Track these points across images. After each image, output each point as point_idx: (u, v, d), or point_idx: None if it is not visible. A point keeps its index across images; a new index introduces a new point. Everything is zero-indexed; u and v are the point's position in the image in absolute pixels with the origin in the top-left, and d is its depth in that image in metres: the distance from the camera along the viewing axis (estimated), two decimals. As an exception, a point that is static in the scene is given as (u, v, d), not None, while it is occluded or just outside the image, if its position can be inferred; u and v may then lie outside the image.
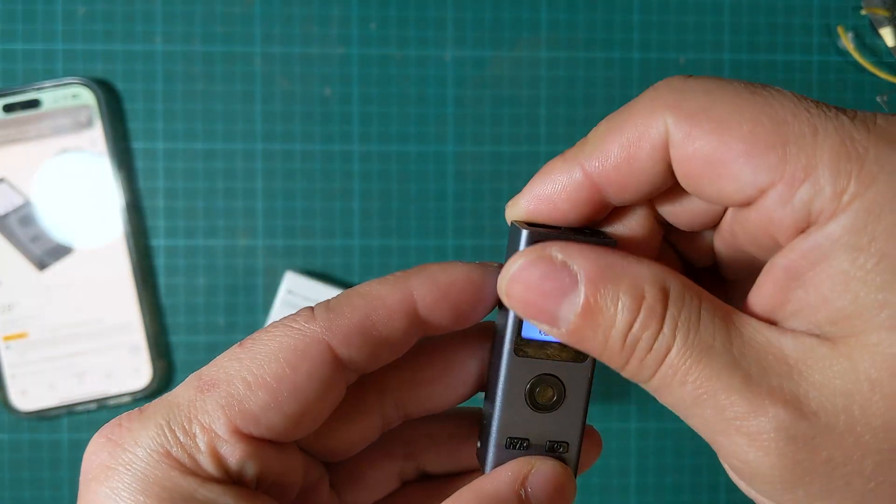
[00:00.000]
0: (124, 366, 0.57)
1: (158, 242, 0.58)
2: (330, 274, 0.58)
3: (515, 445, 0.26)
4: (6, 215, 0.57)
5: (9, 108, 0.56)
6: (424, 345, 0.27)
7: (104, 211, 0.57)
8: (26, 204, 0.57)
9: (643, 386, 0.24)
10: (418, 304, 0.25)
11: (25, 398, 0.56)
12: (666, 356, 0.22)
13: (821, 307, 0.22)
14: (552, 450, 0.26)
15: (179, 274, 0.58)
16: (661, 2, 0.59)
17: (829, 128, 0.21)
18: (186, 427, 0.23)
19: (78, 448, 0.57)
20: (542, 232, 0.24)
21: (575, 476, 0.26)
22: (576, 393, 0.26)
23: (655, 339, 0.22)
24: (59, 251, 0.57)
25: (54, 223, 0.57)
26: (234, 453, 0.23)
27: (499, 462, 0.26)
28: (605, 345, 0.23)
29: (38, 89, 0.56)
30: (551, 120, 0.59)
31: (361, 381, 0.27)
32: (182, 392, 0.24)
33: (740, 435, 0.22)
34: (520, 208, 0.26)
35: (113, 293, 0.57)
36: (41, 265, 0.57)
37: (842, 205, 0.21)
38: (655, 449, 0.59)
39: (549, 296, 0.23)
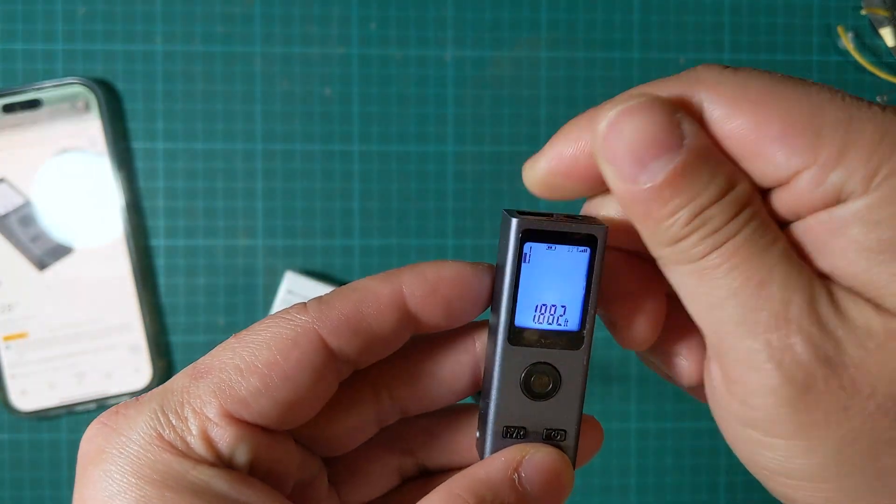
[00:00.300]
0: (124, 366, 0.57)
1: (158, 242, 0.58)
2: (330, 274, 0.58)
3: (512, 434, 0.26)
4: (6, 215, 0.57)
5: (9, 108, 0.56)
6: (419, 342, 0.28)
7: (104, 211, 0.57)
8: (26, 204, 0.57)
9: (678, 266, 0.23)
10: (408, 299, 0.25)
11: (25, 398, 0.56)
12: (726, 241, 0.22)
13: (837, 274, 0.23)
14: (549, 437, 0.26)
15: (179, 274, 0.58)
16: (661, 2, 0.59)
17: (862, 116, 0.22)
18: (179, 411, 0.23)
19: (78, 448, 0.57)
20: (533, 219, 0.25)
21: (574, 464, 0.26)
22: (572, 380, 0.26)
23: (726, 223, 0.22)
24: (59, 251, 0.57)
25: (54, 223, 0.57)
26: (224, 437, 0.23)
27: (496, 451, 0.26)
28: (671, 214, 0.23)
29: (38, 89, 0.56)
30: (551, 120, 0.59)
31: (356, 376, 0.27)
32: (177, 380, 0.24)
33: (764, 340, 0.22)
34: (540, 167, 0.26)
35: (113, 293, 0.57)
36: (41, 265, 0.57)
37: (872, 187, 0.22)
38: (655, 449, 0.59)
39: (652, 143, 0.22)
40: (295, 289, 0.57)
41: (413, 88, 0.59)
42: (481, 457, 0.26)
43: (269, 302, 0.58)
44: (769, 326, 0.22)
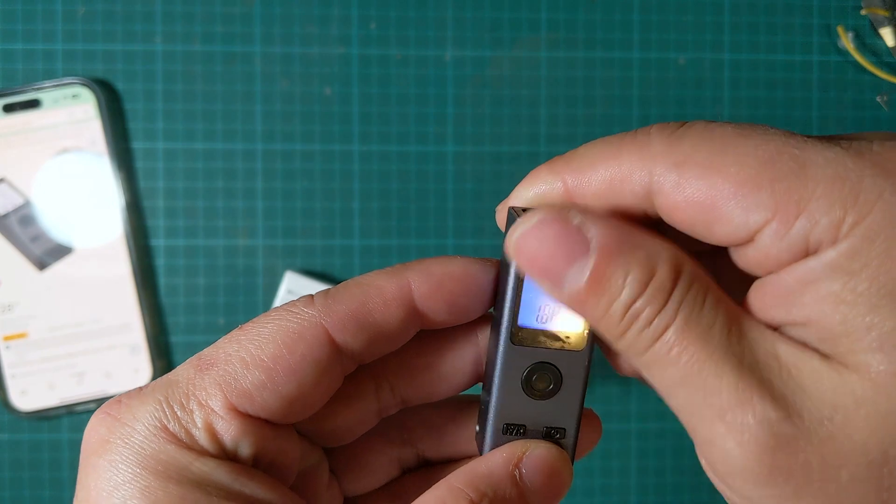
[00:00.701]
0: (124, 366, 0.57)
1: (158, 242, 0.58)
2: (330, 274, 0.58)
3: (512, 431, 0.26)
4: (6, 215, 0.57)
5: (9, 108, 0.56)
6: (422, 334, 0.28)
7: (104, 211, 0.57)
8: (26, 204, 0.57)
9: (632, 359, 0.24)
10: (414, 293, 0.26)
11: (25, 398, 0.56)
12: (664, 332, 0.22)
13: (811, 326, 0.22)
14: (549, 435, 0.26)
15: (179, 274, 0.58)
16: (661, 2, 0.59)
17: (819, 160, 0.21)
18: (184, 403, 0.23)
19: (78, 448, 0.57)
20: None
21: (572, 461, 0.26)
22: (573, 381, 0.26)
23: (657, 315, 0.22)
24: (59, 251, 0.57)
25: (54, 223, 0.57)
26: (229, 430, 0.23)
27: (495, 447, 0.26)
28: (604, 314, 0.23)
29: (38, 89, 0.56)
30: (551, 120, 0.59)
31: (359, 368, 0.27)
32: (181, 371, 0.25)
33: (722, 423, 0.22)
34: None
35: (113, 293, 0.57)
36: (41, 265, 0.57)
37: (840, 235, 0.21)
38: (656, 449, 0.59)
39: (559, 257, 0.23)
40: (295, 289, 0.57)
41: (413, 88, 0.59)
42: (480, 452, 0.27)
43: (269, 302, 0.58)
44: (723, 409, 0.22)
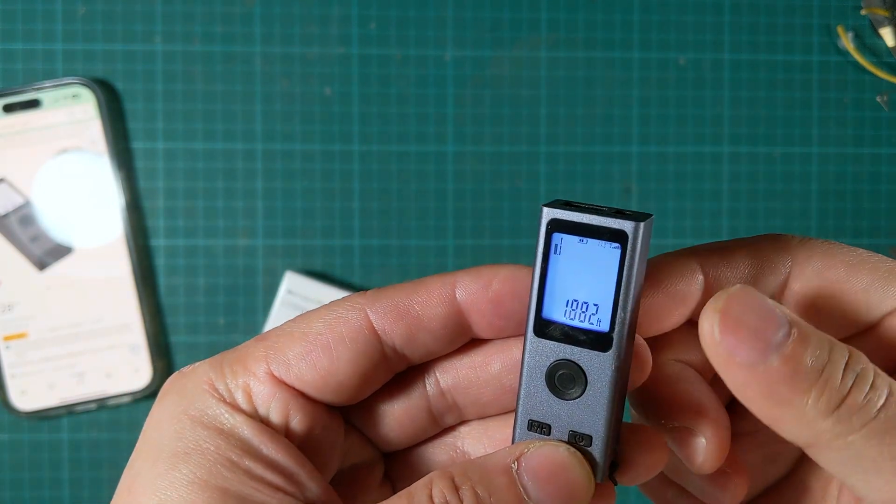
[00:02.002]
0: (124, 366, 0.57)
1: (158, 242, 0.58)
2: (330, 274, 0.58)
3: (537, 429, 0.25)
4: (6, 215, 0.57)
5: (9, 108, 0.56)
6: (482, 346, 0.28)
7: (104, 211, 0.57)
8: (26, 204, 0.57)
9: (847, 439, 0.22)
10: (459, 291, 0.26)
11: (25, 398, 0.56)
12: (890, 396, 0.22)
13: None
14: (573, 440, 0.25)
15: (179, 274, 0.58)
16: (661, 2, 0.59)
17: None
18: (233, 366, 0.26)
19: (78, 448, 0.57)
20: (563, 210, 0.24)
21: (599, 474, 0.25)
22: (599, 384, 0.24)
23: (873, 377, 0.22)
24: (59, 251, 0.57)
25: (54, 223, 0.57)
26: (262, 392, 0.25)
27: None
28: (819, 371, 0.22)
29: (38, 89, 0.56)
30: (551, 120, 0.59)
31: (414, 372, 0.28)
32: (246, 343, 0.27)
33: None
34: None
35: (113, 293, 0.57)
36: (41, 265, 0.57)
37: None
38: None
39: (767, 318, 0.22)
40: (295, 289, 0.57)
41: (413, 88, 0.59)
42: None
43: (269, 302, 0.58)
44: None
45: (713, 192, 0.60)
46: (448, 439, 0.29)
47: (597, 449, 0.25)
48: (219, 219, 0.58)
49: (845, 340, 0.25)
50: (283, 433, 0.25)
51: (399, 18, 0.59)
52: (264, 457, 0.24)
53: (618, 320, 0.24)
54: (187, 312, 0.58)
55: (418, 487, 0.24)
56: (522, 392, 0.25)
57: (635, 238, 0.24)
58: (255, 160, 0.58)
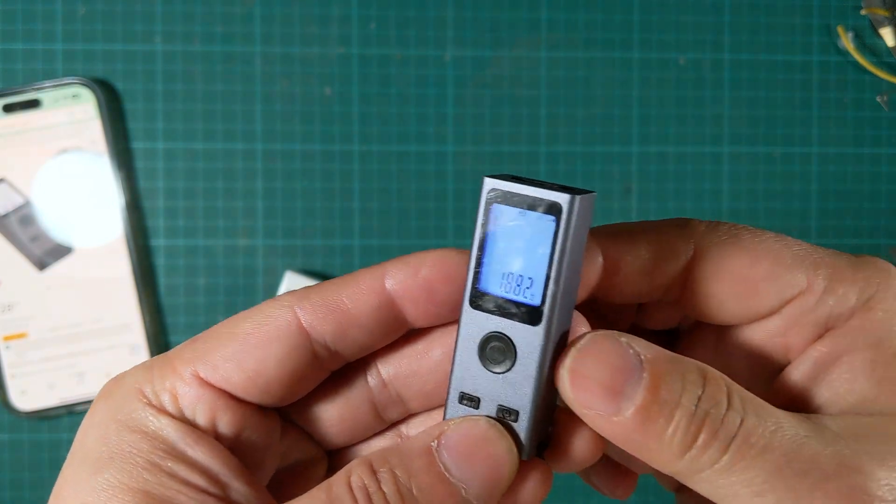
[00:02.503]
0: (124, 366, 0.57)
1: (158, 242, 0.58)
2: (330, 274, 0.58)
3: (466, 402, 0.25)
4: (6, 215, 0.57)
5: (9, 108, 0.56)
6: (422, 335, 0.27)
7: (104, 211, 0.57)
8: (26, 204, 0.57)
9: (701, 476, 0.23)
10: (388, 283, 0.26)
11: (25, 398, 0.56)
12: (743, 421, 0.22)
13: (850, 393, 0.25)
14: (501, 415, 0.24)
15: (179, 274, 0.58)
16: (661, 2, 0.59)
17: (836, 255, 0.26)
18: (161, 369, 0.26)
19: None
20: (502, 181, 0.24)
21: (522, 451, 0.25)
22: (528, 358, 0.24)
23: (729, 404, 0.23)
24: (59, 251, 0.57)
25: (54, 223, 0.57)
26: (188, 394, 0.25)
27: (452, 416, 0.25)
28: (669, 422, 0.22)
29: (38, 89, 0.56)
30: (551, 120, 0.59)
31: (354, 368, 0.27)
32: (179, 345, 0.27)
33: (831, 499, 0.22)
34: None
35: (113, 293, 0.57)
36: (41, 265, 0.57)
37: (857, 309, 0.25)
38: None
39: (617, 371, 0.23)
40: (295, 289, 0.57)
41: (413, 88, 0.59)
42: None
43: (269, 302, 0.58)
44: (840, 492, 0.22)
45: (713, 192, 0.60)
46: (394, 433, 0.29)
47: (522, 425, 0.24)
48: (219, 219, 0.58)
49: (748, 328, 0.27)
50: (212, 435, 0.25)
51: (399, 18, 0.59)
52: (188, 458, 0.24)
53: (549, 294, 0.24)
54: (187, 312, 0.58)
55: (338, 477, 0.24)
56: (455, 364, 0.25)
57: (570, 211, 0.23)
58: (255, 160, 0.58)
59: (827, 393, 0.25)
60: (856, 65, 0.60)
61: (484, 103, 0.59)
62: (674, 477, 0.24)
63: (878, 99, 0.60)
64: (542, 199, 0.23)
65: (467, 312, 0.25)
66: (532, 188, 0.24)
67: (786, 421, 0.23)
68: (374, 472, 0.24)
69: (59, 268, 0.57)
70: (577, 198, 0.23)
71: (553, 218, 0.23)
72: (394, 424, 0.29)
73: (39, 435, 0.57)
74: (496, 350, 0.24)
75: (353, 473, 0.24)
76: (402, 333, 0.27)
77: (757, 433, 0.22)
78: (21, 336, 0.56)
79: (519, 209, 0.24)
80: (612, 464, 0.30)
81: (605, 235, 0.26)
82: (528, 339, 0.24)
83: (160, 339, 0.58)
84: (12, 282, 0.56)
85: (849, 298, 0.25)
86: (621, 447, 0.24)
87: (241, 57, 0.58)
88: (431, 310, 0.26)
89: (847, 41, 0.59)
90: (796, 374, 0.26)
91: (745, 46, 0.60)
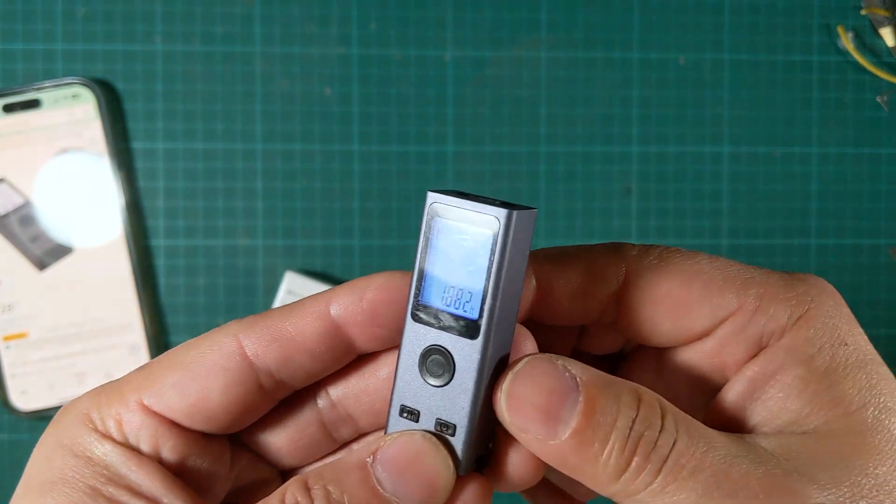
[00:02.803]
0: (124, 366, 0.57)
1: (158, 242, 0.58)
2: (330, 274, 0.58)
3: (407, 415, 0.25)
4: (6, 215, 0.57)
5: (9, 108, 0.56)
6: (369, 360, 0.27)
7: (104, 211, 0.57)
8: (26, 204, 0.57)
9: (635, 499, 0.23)
10: (334, 308, 0.25)
11: (25, 398, 0.56)
12: (674, 445, 0.23)
13: (784, 412, 0.25)
14: (439, 428, 0.25)
15: (179, 274, 0.58)
16: (661, 2, 0.59)
17: (766, 274, 0.26)
18: (109, 396, 0.26)
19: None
20: (443, 196, 0.25)
21: (460, 466, 0.24)
22: (466, 372, 0.24)
23: (662, 427, 0.23)
24: (59, 251, 0.57)
25: (54, 223, 0.57)
26: (131, 421, 0.26)
27: (393, 430, 0.25)
28: (604, 446, 0.23)
29: (38, 89, 0.56)
30: (551, 120, 0.59)
31: (304, 394, 0.27)
32: (129, 372, 0.27)
33: None
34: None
35: (113, 293, 0.57)
36: (41, 265, 0.57)
37: (788, 327, 0.25)
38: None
39: (552, 395, 0.23)
40: (295, 289, 0.57)
41: (413, 88, 0.59)
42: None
43: (269, 302, 0.58)
44: None
45: (713, 192, 0.60)
46: (347, 452, 0.29)
47: (459, 439, 0.24)
48: (219, 219, 0.58)
49: (686, 349, 0.27)
50: (156, 460, 0.26)
51: (399, 18, 0.59)
52: (129, 483, 0.25)
53: (486, 308, 0.24)
54: (187, 312, 0.58)
55: (272, 497, 0.24)
56: (397, 377, 0.25)
57: (507, 226, 0.24)
58: (255, 160, 0.58)
59: (762, 412, 0.25)
60: (856, 65, 0.60)
61: (484, 103, 0.59)
62: (611, 499, 0.24)
63: (878, 99, 0.60)
64: (481, 215, 0.24)
65: (409, 325, 0.25)
66: (472, 203, 0.24)
67: (718, 441, 0.23)
68: (308, 490, 0.24)
69: (59, 268, 0.57)
70: (515, 213, 0.24)
71: (491, 233, 0.24)
72: (348, 443, 0.29)
73: (39, 435, 0.57)
74: (435, 363, 0.24)
75: (288, 491, 0.24)
76: (351, 359, 0.27)
77: (688, 454, 0.23)
78: (21, 336, 0.56)
79: (460, 224, 0.24)
80: (558, 492, 0.30)
81: (538, 258, 0.26)
82: (466, 353, 0.24)
83: (160, 339, 0.58)
84: (12, 282, 0.56)
85: (780, 317, 0.25)
86: (559, 469, 0.24)
87: (241, 57, 0.58)
88: (377, 333, 0.26)
89: (847, 41, 0.59)
90: (732, 393, 0.26)
91: (745, 46, 0.60)
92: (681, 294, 0.26)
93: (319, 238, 0.58)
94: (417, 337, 0.25)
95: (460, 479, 0.24)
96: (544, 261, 0.27)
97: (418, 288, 0.25)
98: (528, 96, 0.59)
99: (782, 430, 0.25)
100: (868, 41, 0.60)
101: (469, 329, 0.24)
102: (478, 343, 0.24)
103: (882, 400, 0.24)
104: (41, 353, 0.56)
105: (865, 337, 0.26)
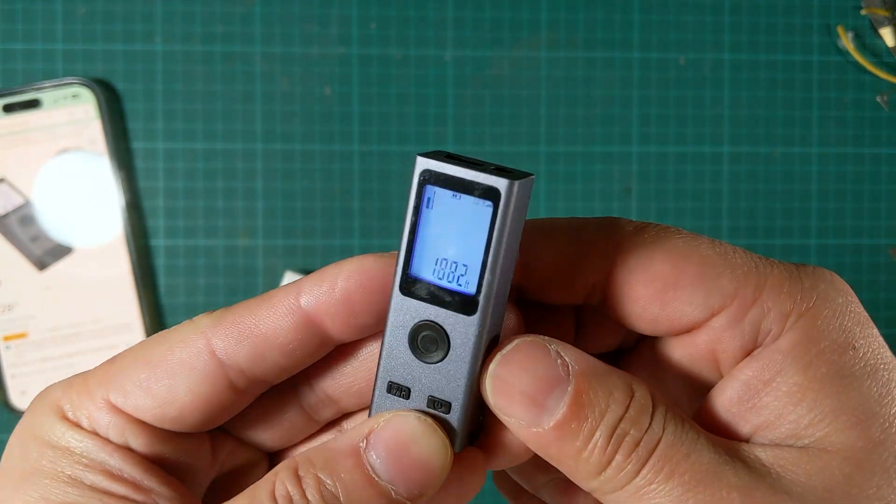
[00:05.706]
0: (124, 366, 0.57)
1: (158, 242, 0.58)
2: (330, 274, 0.58)
3: (395, 392, 0.24)
4: (6, 215, 0.57)
5: (9, 108, 0.56)
6: (348, 344, 0.26)
7: (104, 211, 0.57)
8: (26, 204, 0.57)
9: (614, 496, 0.22)
10: (304, 300, 0.24)
11: (25, 398, 0.56)
12: (656, 447, 0.22)
13: (780, 422, 0.23)
14: (432, 406, 0.23)
15: (179, 274, 0.58)
16: (661, 2, 0.59)
17: (765, 264, 0.24)
18: (78, 389, 0.26)
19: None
20: (438, 161, 0.23)
21: (455, 444, 0.24)
22: (462, 348, 0.23)
23: (647, 427, 0.22)
24: (59, 251, 0.57)
25: (54, 223, 0.57)
26: (100, 418, 0.25)
27: (380, 408, 0.24)
28: (587, 441, 0.22)
29: (38, 89, 0.56)
30: (551, 120, 0.59)
31: (284, 387, 0.27)
32: (99, 364, 0.27)
33: None
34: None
35: (113, 293, 0.57)
36: (41, 265, 0.57)
37: (788, 325, 0.23)
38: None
39: (540, 382, 0.22)
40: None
41: (413, 88, 0.59)
42: (370, 414, 0.25)
43: (269, 302, 0.58)
44: None
45: (713, 192, 0.60)
46: (335, 431, 0.28)
47: (455, 417, 0.23)
48: (219, 219, 0.58)
49: (680, 343, 0.25)
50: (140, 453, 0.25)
51: (399, 18, 0.59)
52: (108, 470, 0.24)
53: (485, 283, 0.22)
54: (187, 312, 0.58)
55: (261, 484, 0.23)
56: (384, 352, 0.24)
57: (509, 197, 0.22)
58: (255, 160, 0.58)
59: (756, 420, 0.24)
60: (856, 65, 0.60)
61: (484, 103, 0.59)
62: (592, 493, 0.23)
63: (878, 99, 0.60)
64: (479, 184, 0.22)
65: (398, 299, 0.23)
66: (468, 170, 0.22)
67: (705, 445, 0.22)
68: (299, 479, 0.23)
69: (59, 268, 0.57)
70: (517, 183, 0.22)
71: (490, 203, 0.22)
72: (332, 423, 0.28)
73: (39, 435, 0.57)
74: (428, 340, 0.23)
75: (278, 480, 0.23)
76: (328, 350, 0.25)
77: (669, 455, 0.22)
78: (21, 336, 0.56)
79: (454, 192, 0.23)
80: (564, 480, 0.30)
81: (525, 228, 0.25)
82: (463, 330, 0.23)
83: (160, 339, 0.58)
84: (12, 282, 0.56)
85: (780, 312, 0.23)
86: (541, 456, 0.23)
87: (241, 57, 0.58)
88: (353, 322, 0.24)
89: (847, 41, 0.59)
90: (725, 398, 0.24)
91: (745, 46, 0.60)
92: (673, 276, 0.23)
93: (319, 238, 0.58)
94: (407, 312, 0.23)
95: (456, 456, 0.24)
96: (532, 231, 0.25)
97: (407, 260, 0.23)
98: (528, 96, 0.59)
99: (778, 442, 0.23)
100: (868, 41, 0.60)
101: (465, 304, 0.23)
102: (475, 319, 0.23)
103: (894, 411, 0.23)
104: (41, 353, 0.56)
105: (881, 340, 0.24)
